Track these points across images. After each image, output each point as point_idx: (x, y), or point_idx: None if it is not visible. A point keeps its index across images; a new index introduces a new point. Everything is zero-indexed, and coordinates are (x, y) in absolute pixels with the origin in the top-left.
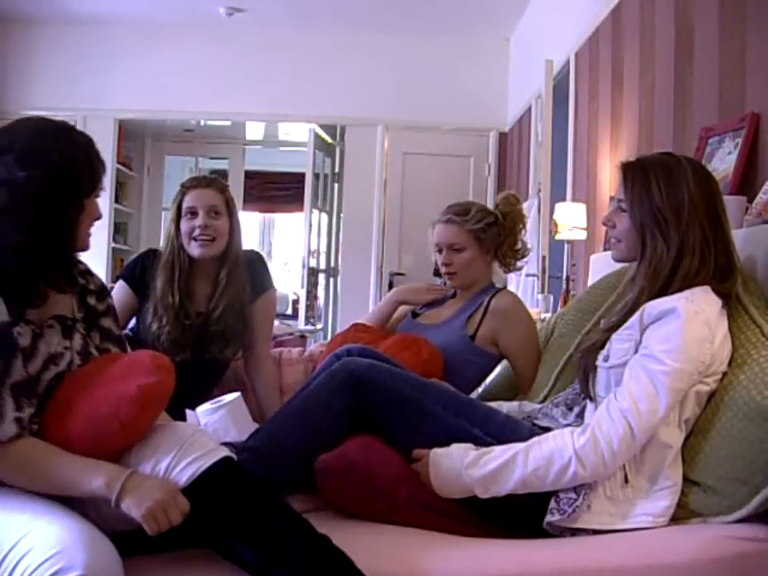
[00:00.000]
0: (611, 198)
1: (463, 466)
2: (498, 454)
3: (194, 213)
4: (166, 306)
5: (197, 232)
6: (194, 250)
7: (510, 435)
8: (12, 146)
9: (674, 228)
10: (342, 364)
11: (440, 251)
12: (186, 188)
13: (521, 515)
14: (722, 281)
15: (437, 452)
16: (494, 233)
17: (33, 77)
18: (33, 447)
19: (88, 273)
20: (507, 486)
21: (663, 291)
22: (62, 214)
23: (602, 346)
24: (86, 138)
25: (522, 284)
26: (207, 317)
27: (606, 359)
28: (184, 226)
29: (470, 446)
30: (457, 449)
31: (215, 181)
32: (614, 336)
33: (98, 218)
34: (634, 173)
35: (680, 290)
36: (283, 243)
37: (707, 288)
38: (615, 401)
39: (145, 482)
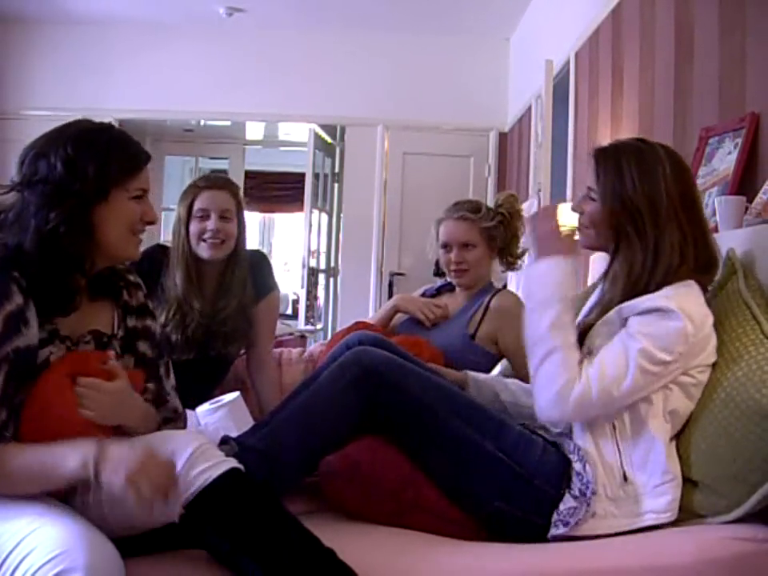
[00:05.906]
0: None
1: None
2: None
3: (206, 215)
4: (174, 307)
5: (207, 234)
6: (204, 251)
7: (522, 452)
8: (32, 148)
9: (649, 224)
10: (354, 355)
11: (448, 249)
12: (199, 188)
13: (526, 532)
14: (705, 273)
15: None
16: (502, 231)
17: (33, 77)
18: (4, 451)
19: (135, 286)
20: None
21: (645, 289)
22: (64, 217)
23: (580, 344)
24: (110, 137)
25: (522, 284)
26: (213, 317)
27: (589, 352)
28: (194, 226)
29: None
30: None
31: (229, 183)
32: (593, 332)
33: (149, 222)
34: (606, 160)
35: (661, 285)
36: (283, 243)
37: (690, 282)
38: (586, 363)
39: (118, 452)
